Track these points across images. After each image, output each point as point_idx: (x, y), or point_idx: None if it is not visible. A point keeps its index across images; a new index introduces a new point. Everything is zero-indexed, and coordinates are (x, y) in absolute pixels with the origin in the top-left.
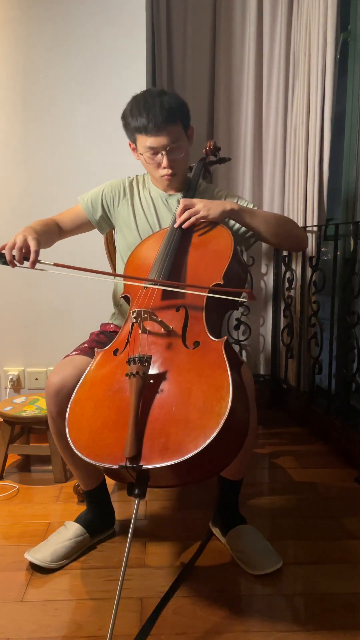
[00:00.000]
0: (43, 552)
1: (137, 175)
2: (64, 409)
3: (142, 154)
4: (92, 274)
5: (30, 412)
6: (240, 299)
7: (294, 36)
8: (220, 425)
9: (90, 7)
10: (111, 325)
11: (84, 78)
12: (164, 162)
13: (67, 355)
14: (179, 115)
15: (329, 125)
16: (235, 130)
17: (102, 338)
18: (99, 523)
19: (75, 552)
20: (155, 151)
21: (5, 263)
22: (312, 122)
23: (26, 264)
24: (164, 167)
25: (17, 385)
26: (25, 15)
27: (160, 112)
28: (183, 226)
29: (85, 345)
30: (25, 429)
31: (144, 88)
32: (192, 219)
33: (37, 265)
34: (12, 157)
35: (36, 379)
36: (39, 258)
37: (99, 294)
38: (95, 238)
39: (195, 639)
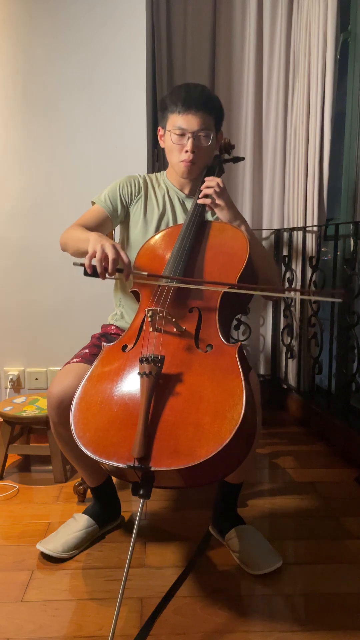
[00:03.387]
0: (54, 543)
1: (148, 174)
2: (67, 418)
3: (169, 131)
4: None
5: (30, 412)
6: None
7: (294, 36)
8: (233, 433)
9: (90, 7)
10: (112, 327)
11: (84, 77)
12: (189, 145)
13: (68, 363)
14: (214, 109)
15: (329, 125)
16: (235, 130)
17: (105, 342)
18: (106, 515)
19: (85, 543)
20: (182, 132)
21: (94, 275)
22: (312, 122)
23: (117, 274)
24: (186, 151)
25: (17, 385)
26: (25, 15)
27: (200, 96)
28: (200, 196)
29: (87, 351)
30: (25, 429)
31: (144, 88)
32: (211, 192)
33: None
34: (12, 156)
35: (36, 379)
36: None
37: (100, 294)
38: None
39: (196, 639)
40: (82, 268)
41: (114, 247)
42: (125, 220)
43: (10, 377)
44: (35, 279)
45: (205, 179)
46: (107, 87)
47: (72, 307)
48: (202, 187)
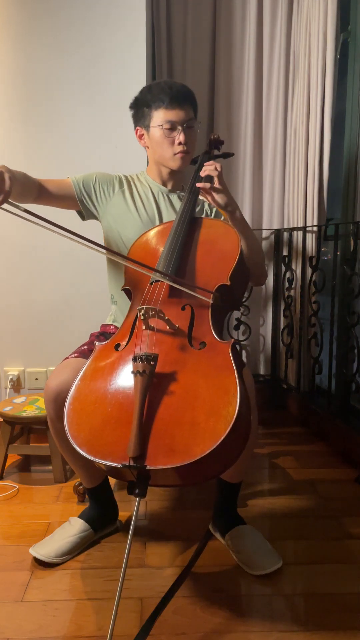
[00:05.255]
0: (47, 548)
1: (128, 174)
2: (63, 413)
3: (160, 125)
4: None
5: (30, 412)
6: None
7: (294, 36)
8: (228, 430)
9: (90, 7)
10: (111, 327)
11: (84, 77)
12: (181, 137)
13: (66, 358)
14: (193, 101)
15: (329, 125)
16: (235, 130)
17: (102, 340)
18: (102, 519)
19: (79, 548)
20: (173, 126)
21: None
22: (312, 122)
23: None
24: (180, 143)
25: (17, 385)
26: (25, 14)
27: (181, 89)
28: (201, 173)
29: (85, 347)
30: (25, 429)
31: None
32: (215, 173)
33: (8, 208)
34: (12, 156)
35: (36, 379)
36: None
37: (99, 294)
38: (93, 233)
39: (196, 639)
40: None
41: (2, 173)
42: (103, 217)
43: (10, 377)
44: (35, 279)
45: (205, 163)
46: (107, 88)
47: (72, 306)
48: (201, 173)
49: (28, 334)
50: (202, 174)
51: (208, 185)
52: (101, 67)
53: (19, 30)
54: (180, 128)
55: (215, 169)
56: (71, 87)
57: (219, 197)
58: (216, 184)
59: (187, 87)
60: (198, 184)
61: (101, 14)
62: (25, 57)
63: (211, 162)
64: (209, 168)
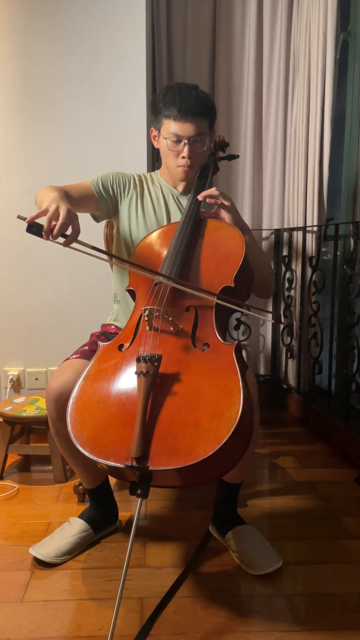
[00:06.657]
0: (47, 548)
1: (142, 173)
2: (65, 413)
3: (165, 138)
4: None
5: (30, 412)
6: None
7: (294, 36)
8: (231, 432)
9: (91, 7)
10: (112, 327)
11: (84, 77)
12: (185, 151)
13: (67, 359)
14: (208, 112)
15: (329, 125)
16: (235, 130)
17: (104, 340)
18: (102, 519)
19: (79, 548)
20: (179, 139)
21: (37, 233)
22: (312, 122)
23: (60, 239)
24: (183, 157)
25: (17, 385)
26: (25, 15)
27: (194, 102)
28: (200, 196)
29: (86, 348)
30: (25, 429)
31: (144, 87)
32: (217, 194)
33: (74, 245)
34: (12, 157)
35: (36, 379)
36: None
37: (100, 294)
38: (92, 235)
39: (196, 639)
40: (32, 224)
41: (70, 212)
42: (117, 217)
43: (10, 377)
44: (35, 279)
45: (200, 194)
46: (108, 88)
47: (72, 306)
48: (200, 197)
49: (28, 334)
50: (201, 197)
51: (213, 201)
52: (101, 67)
53: (19, 30)
54: (185, 142)
55: (215, 189)
56: (71, 87)
57: (227, 217)
58: (223, 201)
59: (202, 98)
60: (200, 197)
61: (101, 14)
62: (25, 57)
63: (209, 189)
64: (209, 192)
